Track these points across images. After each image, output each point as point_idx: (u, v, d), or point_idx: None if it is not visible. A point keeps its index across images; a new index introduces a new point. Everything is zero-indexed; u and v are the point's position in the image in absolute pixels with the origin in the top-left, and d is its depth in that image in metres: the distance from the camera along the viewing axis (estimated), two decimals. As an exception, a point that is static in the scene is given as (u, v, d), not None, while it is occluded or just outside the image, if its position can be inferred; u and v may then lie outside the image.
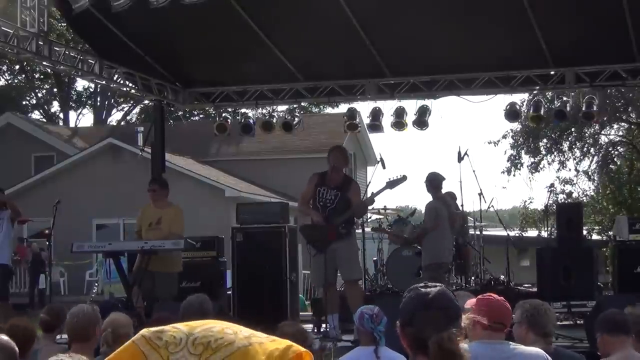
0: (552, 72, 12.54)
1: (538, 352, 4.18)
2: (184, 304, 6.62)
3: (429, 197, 11.32)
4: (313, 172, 10.73)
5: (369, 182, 15.04)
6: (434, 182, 11.31)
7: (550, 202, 20.37)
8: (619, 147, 29.52)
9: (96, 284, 21.79)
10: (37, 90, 40.76)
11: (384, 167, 12.85)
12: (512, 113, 13.39)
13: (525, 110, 16.31)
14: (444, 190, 11.81)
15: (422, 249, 11.42)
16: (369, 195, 10.76)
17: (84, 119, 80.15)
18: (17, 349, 4.27)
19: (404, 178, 10.60)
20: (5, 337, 4.28)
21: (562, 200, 25.86)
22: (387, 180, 10.62)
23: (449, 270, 10.98)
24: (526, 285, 14.37)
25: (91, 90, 39.50)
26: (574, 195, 28.06)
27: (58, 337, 6.68)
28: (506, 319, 4.34)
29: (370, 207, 12.23)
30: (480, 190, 13.90)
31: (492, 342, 4.16)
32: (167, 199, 11.03)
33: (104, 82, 12.99)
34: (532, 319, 4.91)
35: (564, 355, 5.05)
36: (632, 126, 28.49)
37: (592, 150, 28.89)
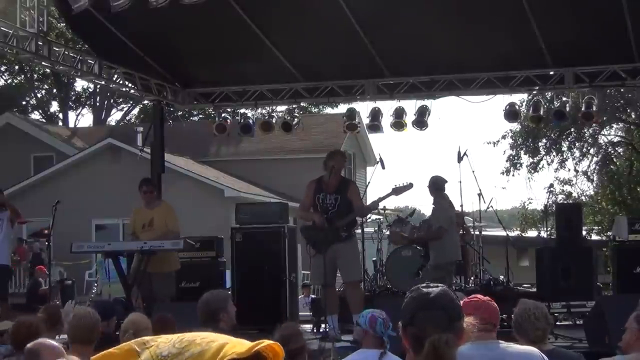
0: (552, 72, 12.55)
1: (532, 351, 4.16)
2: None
3: (427, 197, 11.40)
4: (312, 172, 10.73)
5: (369, 183, 15.07)
6: (436, 184, 11.40)
7: (550, 202, 20.35)
8: (618, 148, 29.53)
9: (95, 284, 21.76)
10: (36, 91, 40.73)
11: (383, 167, 12.86)
12: (511, 113, 13.40)
13: (525, 111, 16.33)
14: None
15: (431, 247, 11.49)
16: (374, 199, 10.76)
17: (84, 119, 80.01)
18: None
19: (410, 185, 10.62)
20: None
21: (562, 201, 25.85)
22: (393, 187, 10.63)
23: (456, 267, 11.24)
24: (526, 285, 14.36)
25: (90, 90, 39.47)
26: (574, 195, 28.06)
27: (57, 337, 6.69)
28: (495, 319, 4.35)
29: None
30: (480, 190, 13.88)
31: (485, 343, 4.15)
32: (158, 199, 11.10)
33: (103, 83, 13.00)
34: (517, 325, 4.91)
35: (561, 355, 5.03)
36: (632, 126, 28.50)
37: (591, 150, 28.91)
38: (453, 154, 13.34)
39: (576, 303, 12.20)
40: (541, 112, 13.62)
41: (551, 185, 27.68)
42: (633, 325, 4.92)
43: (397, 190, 10.56)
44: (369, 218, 14.83)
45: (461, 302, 4.28)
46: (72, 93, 40.59)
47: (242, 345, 2.12)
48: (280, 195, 25.43)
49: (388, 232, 13.56)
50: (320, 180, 10.28)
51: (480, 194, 13.88)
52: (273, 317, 9.91)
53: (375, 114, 13.55)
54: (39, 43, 10.76)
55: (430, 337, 2.67)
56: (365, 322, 5.57)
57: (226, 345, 2.10)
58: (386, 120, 13.47)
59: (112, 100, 39.63)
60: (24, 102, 40.51)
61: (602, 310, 8.67)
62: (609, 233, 20.53)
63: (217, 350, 2.09)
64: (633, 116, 28.31)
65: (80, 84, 40.25)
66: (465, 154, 13.34)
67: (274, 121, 13.98)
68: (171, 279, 10.81)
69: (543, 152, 28.69)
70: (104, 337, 5.91)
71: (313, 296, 16.34)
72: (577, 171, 28.81)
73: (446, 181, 11.62)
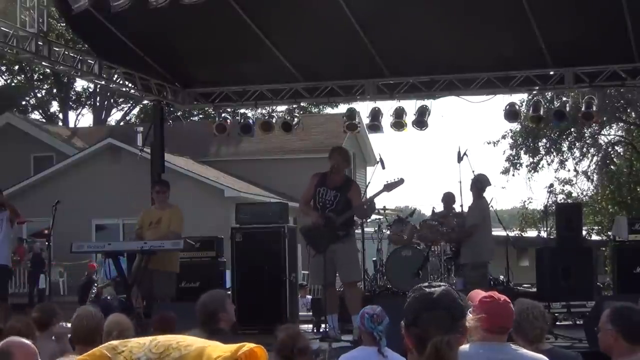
0: (552, 72, 12.55)
1: (540, 357, 4.13)
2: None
3: (433, 197, 11.49)
4: (312, 172, 10.70)
5: (369, 183, 15.03)
6: (478, 183, 11.46)
7: (550, 202, 20.32)
8: (618, 147, 29.53)
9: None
10: (36, 91, 40.73)
11: (383, 167, 12.82)
12: (511, 113, 13.40)
13: (525, 111, 16.34)
14: (444, 191, 12.00)
15: (465, 246, 11.48)
16: (367, 197, 10.72)
17: (84, 119, 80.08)
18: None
19: (401, 181, 10.56)
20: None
21: (562, 201, 25.84)
22: (384, 183, 10.59)
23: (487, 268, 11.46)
24: (526, 285, 14.35)
25: (90, 90, 39.47)
26: (574, 195, 28.06)
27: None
28: (509, 323, 4.23)
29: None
30: (480, 190, 13.87)
31: (493, 344, 4.11)
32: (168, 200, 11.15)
33: (103, 83, 13.00)
34: (515, 325, 4.79)
35: (559, 354, 5.01)
36: (632, 126, 28.50)
37: (591, 150, 28.91)
38: (453, 154, 13.33)
39: (576, 303, 12.19)
40: (541, 112, 13.63)
41: (551, 185, 27.73)
42: (607, 327, 4.71)
43: (388, 187, 10.49)
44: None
45: (476, 299, 4.23)
46: (72, 93, 40.58)
47: (224, 347, 2.07)
48: (280, 195, 25.42)
49: (389, 232, 13.54)
50: (325, 174, 10.25)
51: (480, 194, 13.87)
52: (273, 317, 9.92)
53: (375, 114, 13.55)
54: (39, 43, 10.76)
55: (433, 340, 2.67)
56: (357, 319, 5.68)
57: (207, 348, 2.05)
58: (386, 120, 13.48)
59: (112, 100, 39.64)
60: (24, 102, 40.51)
61: (602, 310, 8.65)
62: (609, 233, 20.53)
63: (198, 354, 2.04)
64: (633, 116, 28.31)
65: (80, 84, 40.28)
66: (465, 154, 13.33)
67: (274, 121, 13.98)
68: (172, 279, 10.82)
69: (543, 152, 28.70)
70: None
71: (309, 296, 16.35)
72: (577, 171, 28.84)
73: (489, 183, 11.67)
